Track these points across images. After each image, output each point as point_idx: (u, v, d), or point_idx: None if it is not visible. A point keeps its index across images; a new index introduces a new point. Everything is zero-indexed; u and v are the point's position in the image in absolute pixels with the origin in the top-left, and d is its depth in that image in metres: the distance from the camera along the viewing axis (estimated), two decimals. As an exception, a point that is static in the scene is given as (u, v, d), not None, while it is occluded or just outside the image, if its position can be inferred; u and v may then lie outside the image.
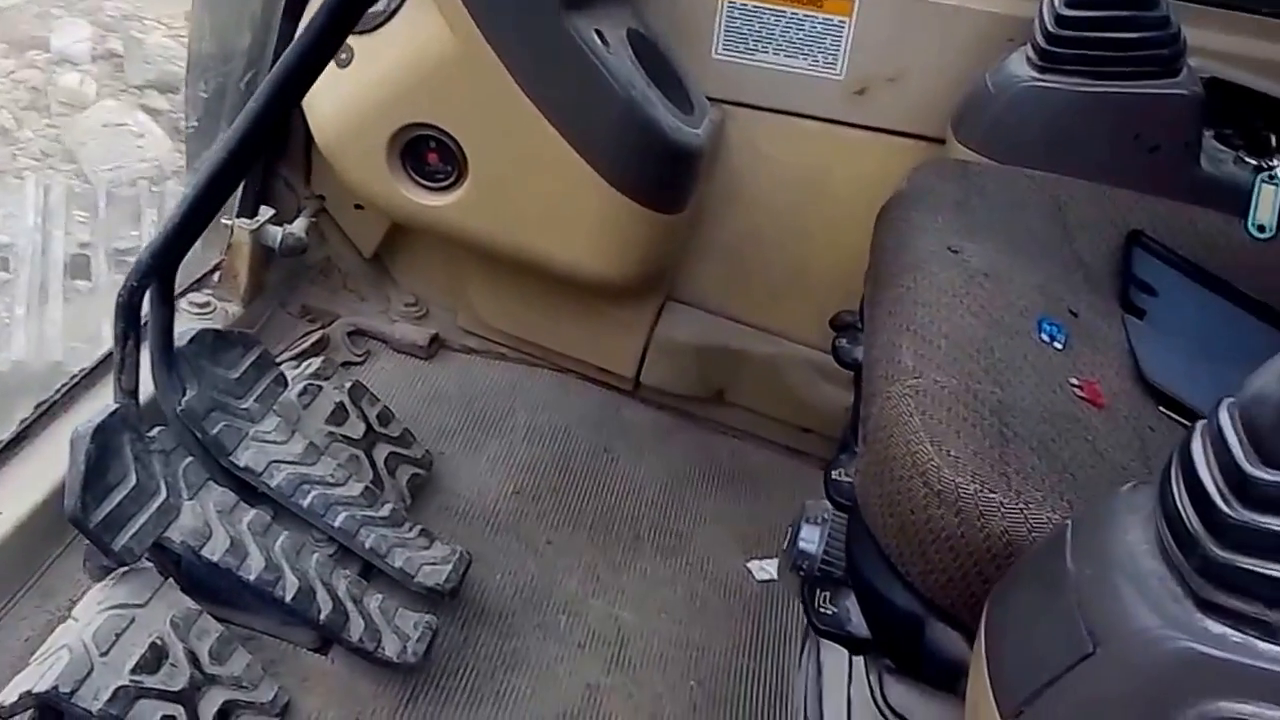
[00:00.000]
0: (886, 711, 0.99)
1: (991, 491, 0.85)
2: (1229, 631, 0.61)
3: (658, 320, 1.80)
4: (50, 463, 1.36)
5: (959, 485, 0.85)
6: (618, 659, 1.46)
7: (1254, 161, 1.46)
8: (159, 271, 1.25)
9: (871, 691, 1.00)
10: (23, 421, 1.38)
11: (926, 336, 1.01)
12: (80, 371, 1.47)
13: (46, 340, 2.16)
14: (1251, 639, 0.60)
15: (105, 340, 2.17)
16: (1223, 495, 0.62)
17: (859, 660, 1.11)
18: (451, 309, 1.88)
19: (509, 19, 1.44)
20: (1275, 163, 1.45)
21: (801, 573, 1.22)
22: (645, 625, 1.51)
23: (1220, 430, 0.64)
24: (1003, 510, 0.84)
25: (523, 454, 1.73)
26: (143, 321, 1.31)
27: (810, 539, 1.22)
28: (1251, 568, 0.60)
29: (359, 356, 1.78)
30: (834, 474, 1.13)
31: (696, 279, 1.80)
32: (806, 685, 1.33)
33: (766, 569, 1.66)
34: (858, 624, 1.01)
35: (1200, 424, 0.68)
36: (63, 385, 1.44)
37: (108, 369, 1.49)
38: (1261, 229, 1.40)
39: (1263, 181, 1.43)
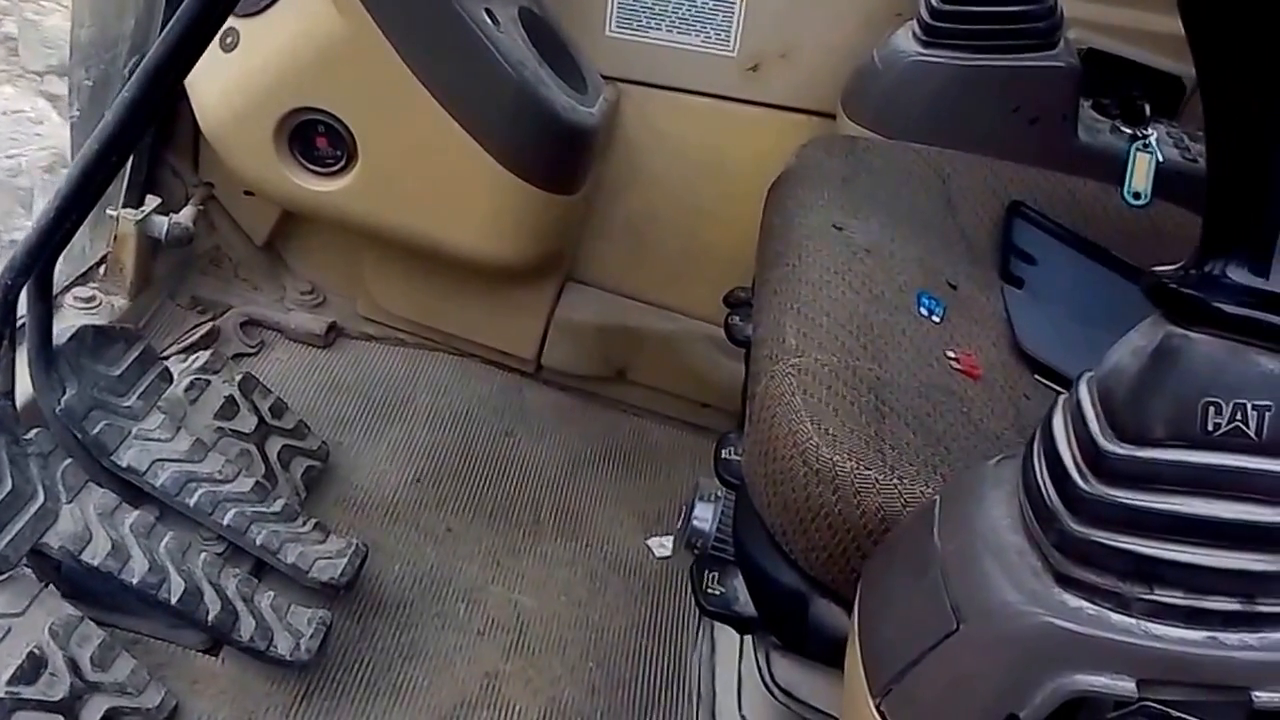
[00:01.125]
0: (774, 688, 1.00)
1: (868, 468, 0.86)
2: (1085, 605, 0.62)
3: (558, 301, 1.79)
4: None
5: (836, 464, 0.86)
6: (517, 645, 1.45)
7: (1129, 130, 1.49)
8: (35, 267, 1.21)
9: (759, 669, 1.01)
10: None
11: (809, 315, 1.01)
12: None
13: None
14: (1105, 611, 0.62)
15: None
16: (1079, 469, 0.64)
17: (749, 638, 1.12)
18: (349, 296, 1.84)
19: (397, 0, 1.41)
20: (1149, 131, 1.48)
21: (696, 550, 1.22)
22: (544, 609, 1.51)
23: (1079, 404, 0.65)
24: (878, 486, 0.85)
25: (423, 440, 1.71)
26: (20, 320, 1.27)
27: (704, 517, 1.22)
28: (1105, 541, 0.62)
29: (252, 347, 1.74)
30: (723, 453, 1.13)
31: (595, 258, 1.79)
32: (700, 663, 1.34)
33: (666, 545, 1.67)
34: (745, 603, 1.01)
35: (1062, 398, 0.69)
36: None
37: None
38: (1137, 196, 1.44)
39: (1137, 150, 1.46)
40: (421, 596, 1.48)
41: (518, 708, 1.37)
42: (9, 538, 1.17)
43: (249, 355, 1.73)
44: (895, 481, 0.85)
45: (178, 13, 1.07)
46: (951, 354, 1.03)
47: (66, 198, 1.17)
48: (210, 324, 1.72)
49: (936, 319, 1.07)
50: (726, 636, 1.25)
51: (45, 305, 1.28)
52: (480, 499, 1.65)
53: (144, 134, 1.23)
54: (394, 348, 1.85)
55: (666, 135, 1.69)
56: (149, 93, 1.13)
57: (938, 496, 0.73)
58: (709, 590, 1.03)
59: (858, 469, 0.86)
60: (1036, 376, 1.08)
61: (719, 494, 1.24)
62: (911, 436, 0.90)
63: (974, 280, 1.19)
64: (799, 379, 0.94)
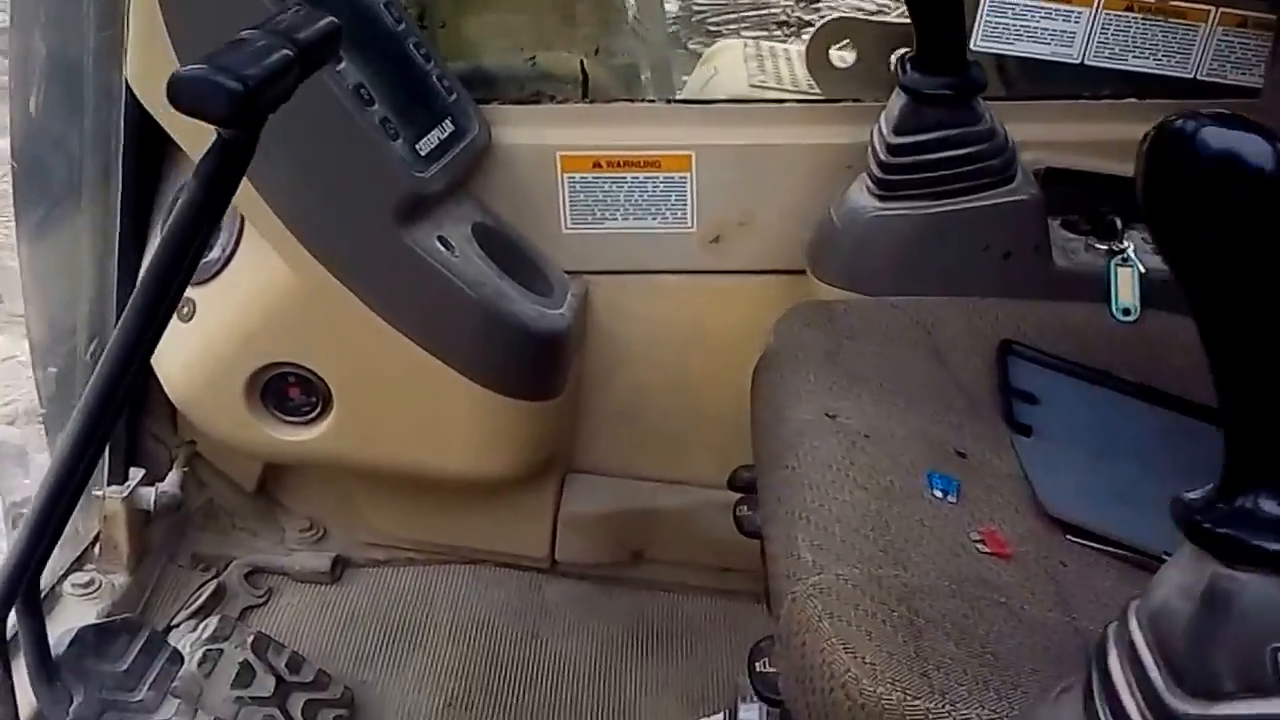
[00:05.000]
0: None
1: (915, 699, 0.82)
2: None
3: (561, 496, 1.76)
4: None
5: (881, 696, 0.82)
6: None
7: (1103, 246, 1.49)
8: (22, 586, 1.17)
9: None
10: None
11: (820, 523, 0.99)
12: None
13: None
14: None
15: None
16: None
17: None
18: (350, 525, 1.81)
19: (347, 246, 1.41)
20: (1125, 244, 1.47)
21: (747, 754, 1.17)
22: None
23: (1134, 649, 0.62)
24: (930, 717, 0.81)
25: (448, 659, 1.66)
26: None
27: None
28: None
29: (260, 597, 1.70)
30: (757, 666, 1.09)
31: (593, 447, 1.76)
32: None
33: (717, 727, 1.61)
34: None
35: (1112, 629, 0.66)
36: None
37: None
38: (1127, 312, 1.43)
39: (1116, 266, 1.45)
40: (478, 839, 1.41)
41: None
42: None
43: (258, 606, 1.69)
44: (948, 708, 0.81)
45: (133, 297, 1.06)
46: (976, 536, 1.00)
47: (42, 513, 1.14)
48: (214, 581, 1.68)
49: (953, 500, 1.04)
50: None
51: (37, 620, 1.23)
52: (517, 711, 1.59)
53: (116, 424, 1.20)
54: (404, 568, 1.81)
55: (642, 318, 1.68)
56: (116, 382, 1.10)
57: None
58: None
59: (905, 699, 0.82)
60: (1068, 538, 1.05)
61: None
62: (954, 648, 0.86)
63: (982, 440, 1.16)
64: (822, 600, 0.91)
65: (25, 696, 1.26)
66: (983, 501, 1.06)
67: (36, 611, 1.23)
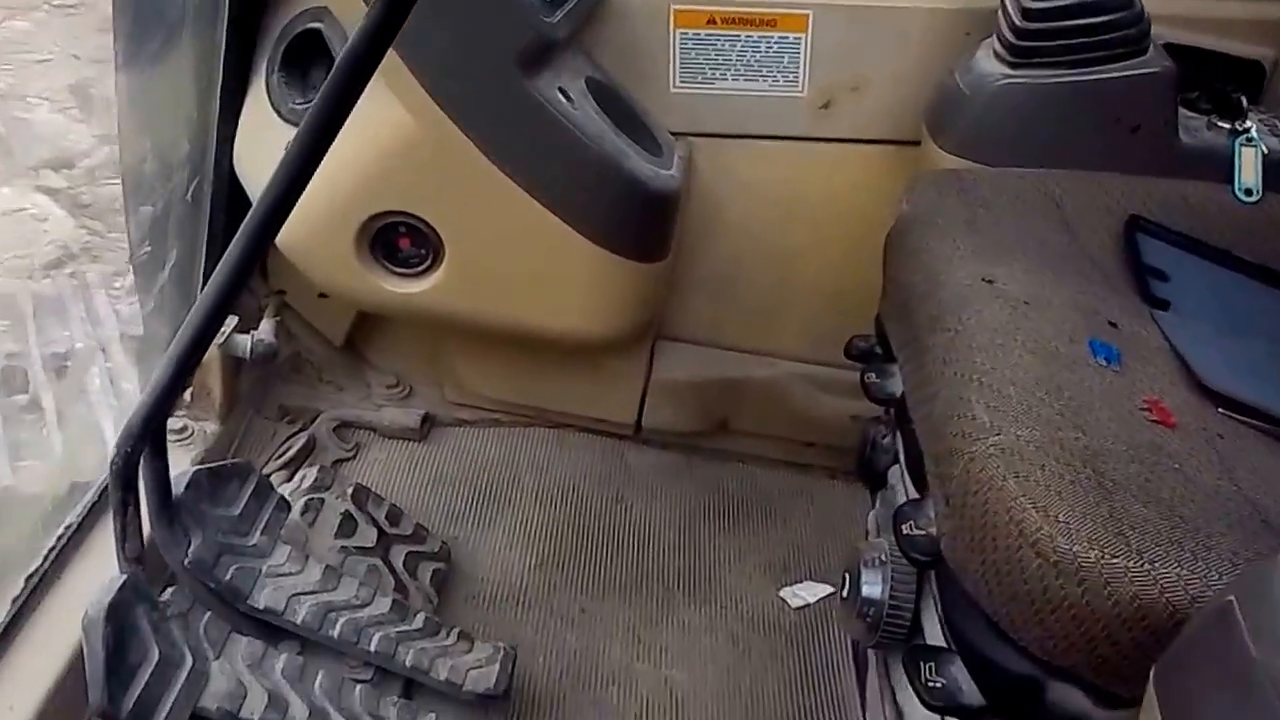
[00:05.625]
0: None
1: (1114, 557, 0.82)
2: None
3: (651, 363, 1.75)
4: (51, 643, 1.26)
5: (1077, 555, 0.82)
6: (678, 722, 1.42)
7: (1227, 126, 1.46)
8: (150, 431, 1.16)
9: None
10: (15, 600, 1.28)
11: (994, 386, 0.97)
12: (66, 529, 1.37)
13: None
14: None
15: (57, 458, 2.05)
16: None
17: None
18: (436, 384, 1.80)
19: (469, 93, 1.36)
20: (1249, 123, 1.45)
21: (868, 619, 1.18)
22: (695, 681, 1.48)
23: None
24: (1130, 575, 0.81)
25: (536, 520, 1.68)
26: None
27: (874, 583, 1.18)
28: None
29: (349, 451, 1.70)
30: (904, 529, 1.08)
31: (684, 314, 1.75)
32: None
33: (799, 595, 1.64)
34: (969, 693, 0.97)
35: None
36: (49, 551, 1.34)
37: (90, 524, 1.40)
38: (1249, 192, 1.40)
39: (1241, 145, 1.42)
40: (573, 686, 1.44)
41: (695, 790, 1.34)
42: (167, 709, 1.13)
43: (347, 460, 1.69)
44: (1147, 567, 0.81)
45: (290, 147, 1.03)
46: (1141, 404, 1.00)
47: (177, 365, 1.12)
48: (304, 434, 1.67)
49: (1115, 368, 1.03)
50: (914, 707, 1.21)
51: (162, 463, 1.23)
52: (606, 573, 1.62)
53: (249, 280, 1.18)
54: (489, 429, 1.81)
55: (744, 183, 1.65)
56: (264, 229, 1.08)
57: (1231, 598, 0.69)
58: (930, 683, 0.99)
59: (1103, 558, 0.82)
60: (1220, 410, 1.04)
61: (882, 558, 1.20)
62: (1143, 510, 0.86)
63: (1126, 313, 1.15)
64: (1004, 460, 0.90)
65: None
66: (1142, 373, 1.05)
67: (162, 454, 1.23)
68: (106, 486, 1.42)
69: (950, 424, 0.98)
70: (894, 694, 1.29)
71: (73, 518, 1.38)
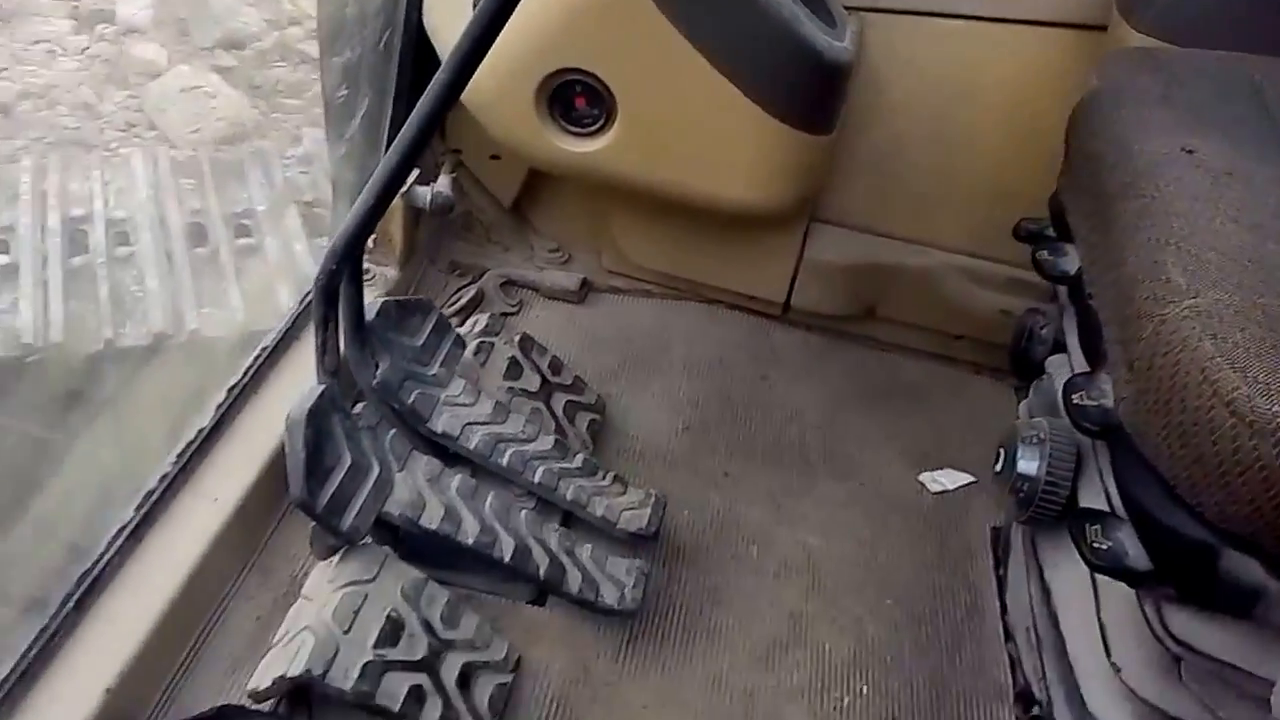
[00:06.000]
0: (1167, 640, 0.98)
1: (1313, 419, 0.81)
2: None
3: (805, 243, 1.78)
4: (251, 444, 1.39)
5: (1276, 415, 0.80)
6: (814, 585, 1.47)
7: None
8: (350, 256, 1.25)
9: (1149, 621, 0.99)
10: (219, 408, 1.40)
11: (1192, 250, 0.96)
12: (262, 349, 1.49)
13: (179, 310, 2.17)
14: None
15: (237, 308, 2.20)
16: None
17: (1110, 586, 1.09)
18: (594, 251, 1.86)
19: (655, -48, 1.40)
20: None
21: (1021, 494, 1.20)
22: (832, 549, 1.53)
23: None
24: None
25: (684, 389, 1.74)
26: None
27: (1031, 460, 1.20)
28: None
29: (513, 307, 1.78)
30: (1074, 398, 1.09)
31: (840, 197, 1.77)
32: (1034, 607, 1.32)
33: (939, 480, 1.66)
34: (1136, 557, 0.97)
35: None
36: (249, 367, 1.46)
37: (284, 346, 1.52)
38: None
39: None
40: (715, 541, 1.51)
41: (827, 647, 1.40)
42: (357, 509, 1.23)
43: (511, 315, 1.78)
44: (1343, 430, 0.81)
45: (477, 11, 1.06)
46: (1344, 282, 0.98)
47: (381, 190, 1.19)
48: (473, 287, 1.76)
49: (1319, 244, 1.02)
50: (1063, 581, 1.23)
51: (358, 286, 1.33)
52: (749, 444, 1.67)
53: (436, 130, 1.23)
54: (642, 299, 1.87)
55: (913, 63, 1.64)
56: (458, 78, 1.13)
57: None
58: (1095, 544, 1.00)
59: (1302, 420, 0.81)
60: None
61: (1040, 436, 1.22)
62: (1342, 379, 0.86)
63: (1322, 196, 1.13)
64: (1201, 322, 0.88)
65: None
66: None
67: (358, 279, 1.32)
68: (298, 315, 1.54)
69: (1140, 288, 0.96)
70: (1041, 571, 1.32)
71: (269, 340, 1.50)
